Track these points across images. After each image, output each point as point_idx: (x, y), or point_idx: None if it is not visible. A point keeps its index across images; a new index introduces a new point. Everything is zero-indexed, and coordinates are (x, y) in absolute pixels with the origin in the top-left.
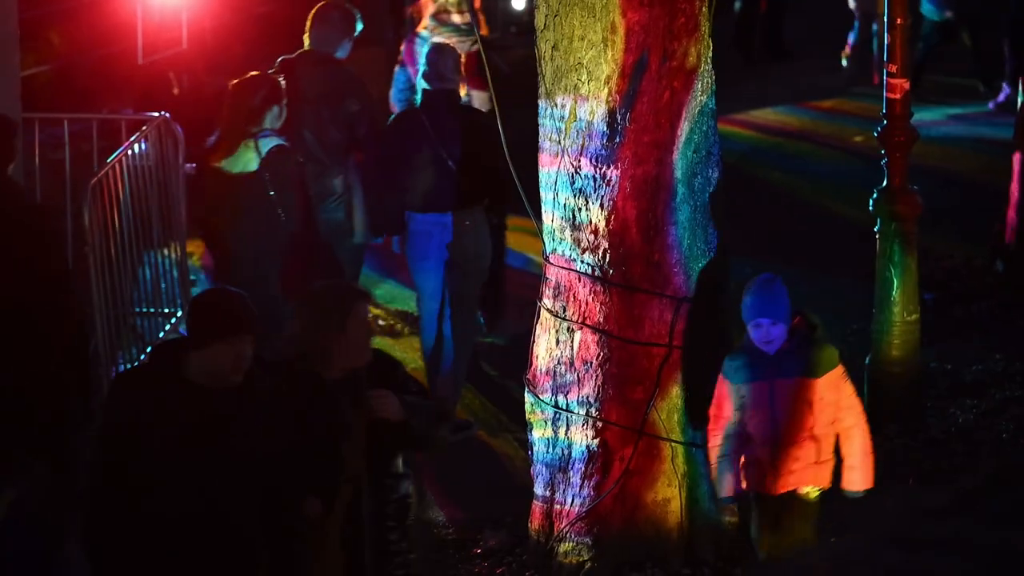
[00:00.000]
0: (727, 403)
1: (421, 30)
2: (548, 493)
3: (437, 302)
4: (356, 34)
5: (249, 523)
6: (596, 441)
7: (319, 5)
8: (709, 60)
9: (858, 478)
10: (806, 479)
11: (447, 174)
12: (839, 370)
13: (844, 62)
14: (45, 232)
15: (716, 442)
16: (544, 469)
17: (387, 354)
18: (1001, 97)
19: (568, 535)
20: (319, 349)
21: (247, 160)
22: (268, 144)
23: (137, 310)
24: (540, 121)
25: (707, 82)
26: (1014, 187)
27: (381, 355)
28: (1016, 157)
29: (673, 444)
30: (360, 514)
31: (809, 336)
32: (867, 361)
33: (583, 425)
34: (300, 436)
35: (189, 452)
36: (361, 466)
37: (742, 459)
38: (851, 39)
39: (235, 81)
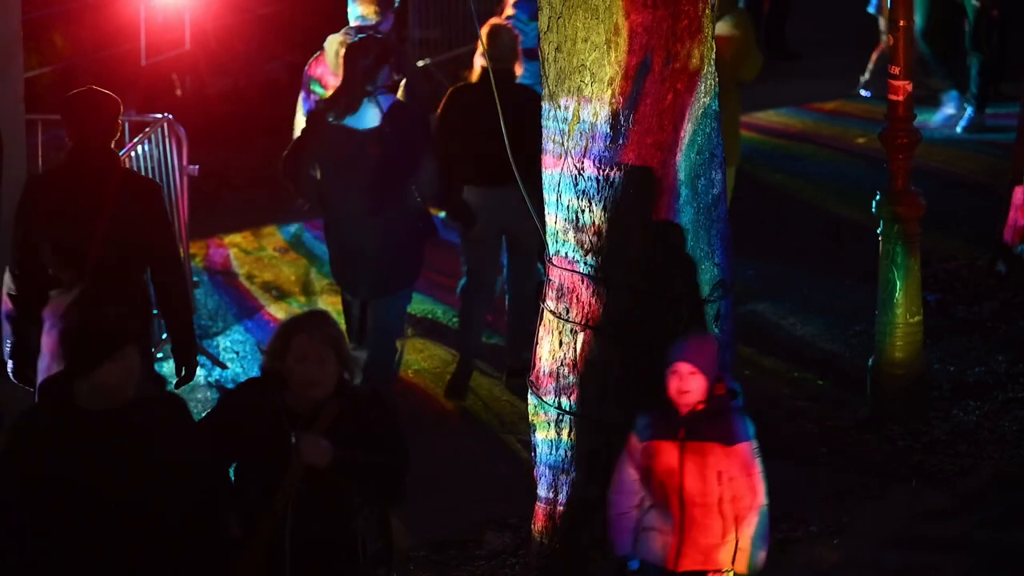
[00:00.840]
0: (633, 460)
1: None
2: (551, 495)
3: (483, 275)
4: (396, 5)
5: (178, 531)
6: (599, 442)
7: None
8: (712, 62)
9: (748, 561)
10: (712, 559)
11: (501, 149)
12: (752, 445)
13: (863, 92)
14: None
15: (616, 498)
16: (547, 471)
17: (374, 395)
18: (965, 122)
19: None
20: (276, 375)
21: (370, 116)
22: (388, 100)
23: None
24: (543, 123)
25: (710, 84)
26: (1017, 188)
27: (361, 394)
28: (1017, 156)
29: None
30: (283, 543)
31: (728, 405)
32: (870, 363)
33: (586, 426)
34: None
35: (98, 481)
36: (290, 496)
37: (643, 524)
38: (870, 69)
39: (350, 43)
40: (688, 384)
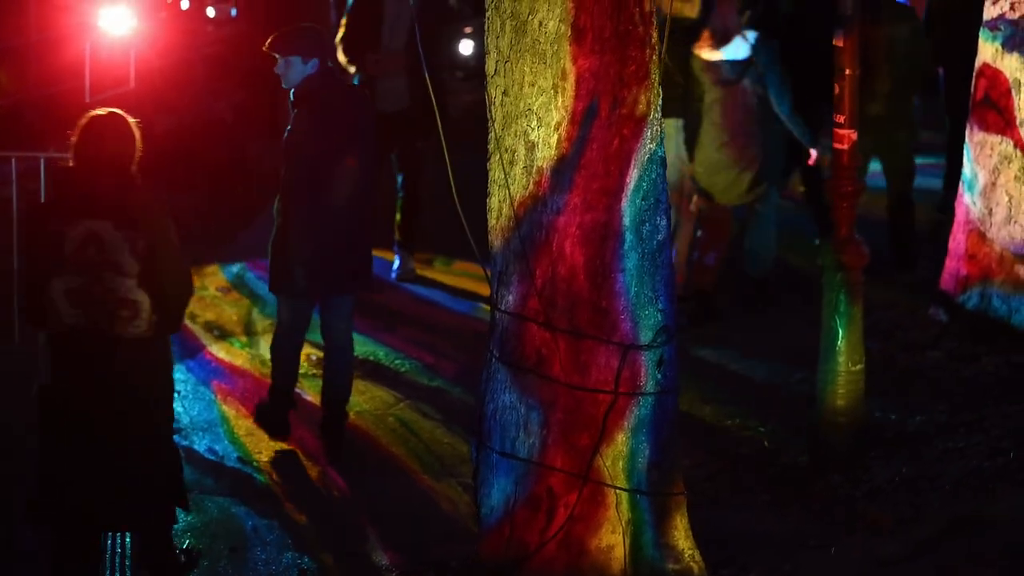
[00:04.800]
0: None
1: None
2: (492, 538)
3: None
4: None
5: None
6: (541, 487)
7: None
8: (658, 108)
9: None
10: None
11: None
12: None
13: None
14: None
15: None
16: (488, 514)
17: None
18: None
19: None
20: None
21: (740, 48)
22: (754, 35)
23: None
24: (489, 166)
25: (656, 130)
26: (958, 238)
27: None
28: (959, 209)
29: (618, 491)
30: None
31: None
32: (812, 410)
33: (528, 471)
34: None
35: None
36: None
37: None
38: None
39: None
40: None
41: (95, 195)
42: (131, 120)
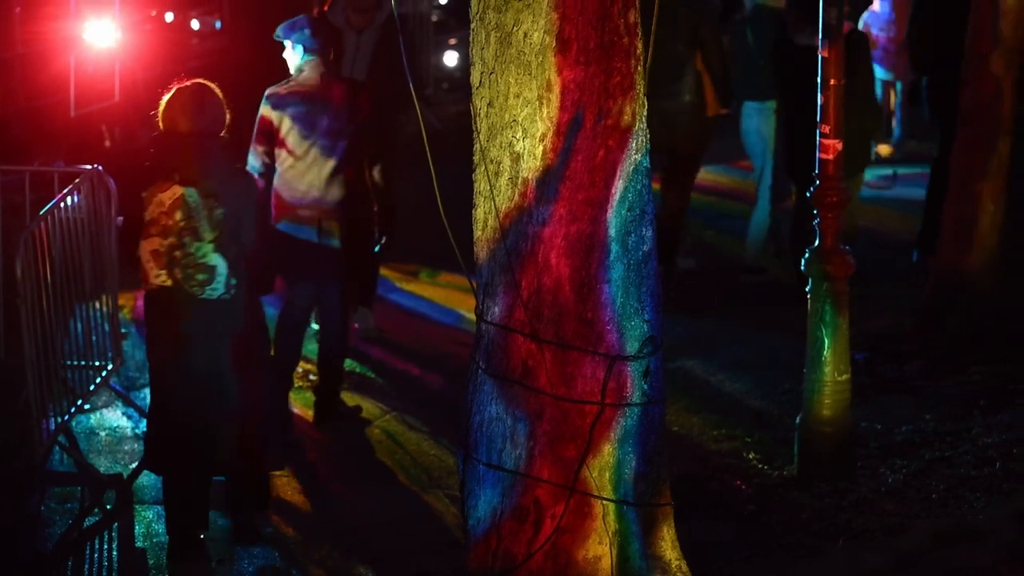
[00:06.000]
0: None
1: None
2: (480, 550)
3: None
4: None
5: None
6: (528, 498)
7: None
8: (644, 119)
9: None
10: None
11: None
12: None
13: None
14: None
15: None
16: (476, 526)
17: None
18: None
19: None
20: None
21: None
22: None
23: (68, 363)
24: (474, 178)
25: (641, 141)
26: (945, 247)
27: None
28: (947, 217)
29: (604, 502)
30: None
31: None
32: (798, 421)
33: (514, 482)
34: None
35: None
36: None
37: None
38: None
39: None
40: None
41: (184, 163)
42: (217, 91)
